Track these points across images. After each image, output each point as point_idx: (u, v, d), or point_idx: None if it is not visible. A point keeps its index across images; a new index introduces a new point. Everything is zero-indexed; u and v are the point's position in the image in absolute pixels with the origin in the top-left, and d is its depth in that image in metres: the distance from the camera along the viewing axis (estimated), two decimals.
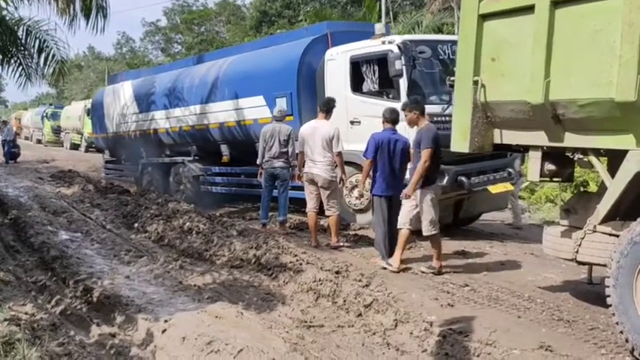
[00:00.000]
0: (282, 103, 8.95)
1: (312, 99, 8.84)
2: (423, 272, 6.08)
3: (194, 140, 11.39)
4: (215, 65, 11.06)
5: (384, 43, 7.89)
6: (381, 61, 7.90)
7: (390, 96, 7.89)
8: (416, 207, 6.16)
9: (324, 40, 9.18)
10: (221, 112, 10.46)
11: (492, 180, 7.81)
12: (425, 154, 6.01)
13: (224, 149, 10.69)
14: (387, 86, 7.96)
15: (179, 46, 44.57)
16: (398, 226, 6.34)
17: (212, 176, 11.10)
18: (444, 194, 7.53)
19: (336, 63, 8.65)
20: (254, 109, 9.60)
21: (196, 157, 11.42)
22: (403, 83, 7.59)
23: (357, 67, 8.33)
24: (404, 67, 7.48)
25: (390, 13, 22.83)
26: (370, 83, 8.20)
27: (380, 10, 19.71)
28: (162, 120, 12.14)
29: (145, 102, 12.76)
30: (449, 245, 7.40)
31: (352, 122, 8.28)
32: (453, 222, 8.35)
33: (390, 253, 6.53)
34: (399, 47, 7.61)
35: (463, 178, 7.49)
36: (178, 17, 43.92)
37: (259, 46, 11.14)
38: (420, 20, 20.10)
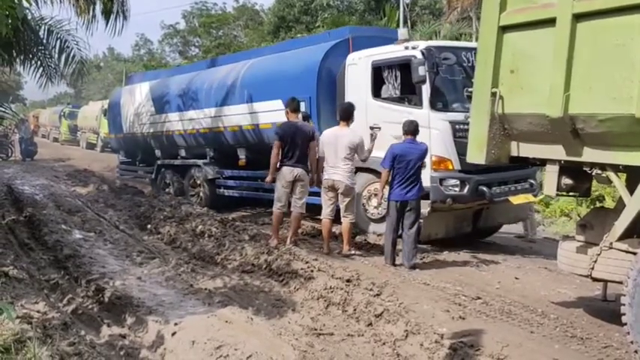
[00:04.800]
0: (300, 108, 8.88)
1: (331, 104, 8.78)
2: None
3: (211, 143, 11.33)
4: (234, 68, 11.00)
5: (407, 48, 7.78)
6: (403, 66, 7.80)
7: (412, 102, 7.81)
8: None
9: (345, 44, 9.07)
10: (239, 116, 10.39)
11: (514, 191, 7.71)
12: (274, 145, 7.44)
13: (241, 153, 10.63)
14: (408, 92, 7.87)
15: (196, 49, 44.78)
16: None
17: (228, 179, 11.04)
18: (463, 204, 7.58)
19: (358, 68, 8.53)
20: (272, 112, 9.47)
21: (212, 160, 11.35)
22: (426, 90, 7.51)
23: (378, 72, 8.23)
24: (427, 74, 7.36)
25: (408, 21, 22.78)
26: (392, 89, 8.11)
27: (398, 18, 19.75)
28: (178, 122, 12.04)
29: (161, 103, 12.69)
30: (461, 257, 7.38)
31: (372, 128, 8.07)
32: (472, 232, 8.28)
33: (412, 256, 6.78)
34: (423, 53, 7.48)
35: (484, 188, 7.41)
36: (197, 20, 44.15)
37: (279, 50, 11.05)
38: (438, 30, 20.07)
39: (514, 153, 5.00)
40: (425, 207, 7.30)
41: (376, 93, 8.28)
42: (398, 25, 19.56)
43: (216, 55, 27.21)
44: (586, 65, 4.20)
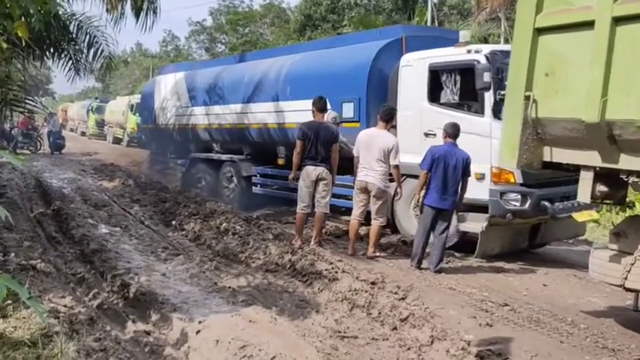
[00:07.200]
0: (348, 109, 8.60)
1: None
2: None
3: (248, 139, 10.99)
4: (277, 62, 10.59)
5: (469, 52, 7.37)
6: (464, 71, 7.42)
7: (472, 109, 7.44)
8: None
9: (398, 44, 8.66)
10: (281, 112, 10.01)
11: (577, 207, 7.06)
12: (296, 144, 7.42)
13: (281, 151, 10.29)
14: (468, 98, 7.48)
15: (223, 46, 45.01)
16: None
17: (264, 177, 10.70)
18: (524, 219, 7.19)
19: (413, 70, 8.11)
20: None
21: (248, 157, 11.08)
22: (489, 97, 7.12)
23: (435, 75, 7.81)
24: (492, 80, 6.96)
25: (436, 21, 22.59)
26: (450, 94, 7.66)
27: (427, 18, 19.63)
28: (215, 115, 11.70)
29: (197, 95, 12.35)
30: (487, 262, 7.26)
31: (427, 134, 7.72)
32: (528, 247, 7.86)
33: (439, 261, 6.71)
34: (488, 58, 7.11)
35: (546, 203, 7.00)
36: (224, 18, 44.39)
37: (327, 46, 10.54)
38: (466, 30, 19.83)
39: (547, 158, 4.87)
40: (482, 221, 7.04)
41: (432, 97, 7.85)
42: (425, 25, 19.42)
43: (242, 52, 27.29)
44: (625, 70, 4.07)
